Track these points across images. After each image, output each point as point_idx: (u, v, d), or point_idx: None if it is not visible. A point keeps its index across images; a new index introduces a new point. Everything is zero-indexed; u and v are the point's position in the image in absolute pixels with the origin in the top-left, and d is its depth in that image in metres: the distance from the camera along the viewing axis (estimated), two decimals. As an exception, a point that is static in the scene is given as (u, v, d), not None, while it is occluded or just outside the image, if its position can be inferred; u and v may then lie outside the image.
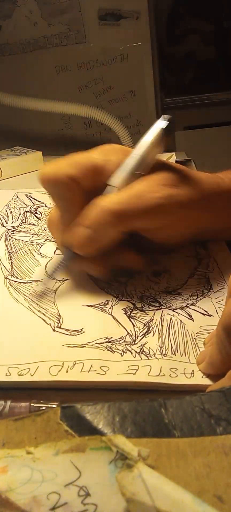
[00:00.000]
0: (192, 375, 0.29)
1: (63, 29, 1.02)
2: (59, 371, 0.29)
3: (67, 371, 0.29)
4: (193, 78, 1.20)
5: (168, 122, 0.36)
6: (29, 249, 0.45)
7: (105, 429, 0.21)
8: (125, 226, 0.36)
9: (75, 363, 0.30)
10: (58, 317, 0.35)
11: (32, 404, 0.27)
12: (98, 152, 0.38)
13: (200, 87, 1.17)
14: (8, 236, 0.48)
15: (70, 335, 0.33)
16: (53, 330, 0.34)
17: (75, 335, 0.33)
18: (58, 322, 0.34)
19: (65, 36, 1.03)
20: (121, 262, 0.39)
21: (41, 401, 0.27)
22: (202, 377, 0.29)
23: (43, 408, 0.27)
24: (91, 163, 0.36)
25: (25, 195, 0.60)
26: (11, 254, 0.44)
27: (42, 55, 1.04)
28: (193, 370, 0.29)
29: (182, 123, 1.17)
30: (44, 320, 0.35)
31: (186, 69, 1.20)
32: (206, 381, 0.28)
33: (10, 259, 0.43)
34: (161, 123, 0.36)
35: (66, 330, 0.34)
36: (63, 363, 0.30)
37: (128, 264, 0.40)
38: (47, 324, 0.34)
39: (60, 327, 0.34)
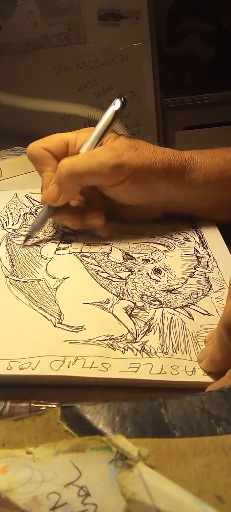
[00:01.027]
0: (194, 372, 0.29)
1: (63, 29, 1.02)
2: (60, 366, 0.29)
3: (68, 367, 0.29)
4: (193, 78, 1.20)
5: (119, 105, 0.44)
6: (29, 251, 0.45)
7: (105, 429, 0.21)
8: (79, 180, 0.43)
9: (76, 359, 0.30)
10: (59, 313, 0.35)
11: (32, 404, 0.27)
12: (72, 132, 0.47)
13: (200, 87, 1.17)
14: (9, 240, 0.48)
15: (72, 331, 0.33)
16: (54, 326, 0.34)
17: (77, 332, 0.33)
18: (59, 318, 0.35)
19: (65, 36, 1.03)
20: (88, 219, 0.46)
21: (41, 401, 0.27)
22: (203, 374, 0.29)
23: (43, 408, 0.27)
24: (63, 137, 0.46)
25: (25, 195, 0.60)
26: (12, 257, 0.44)
27: (42, 55, 1.04)
28: (194, 368, 0.29)
29: (182, 123, 1.17)
30: (45, 316, 0.35)
31: (186, 69, 1.20)
32: (207, 379, 0.28)
33: (11, 261, 0.44)
34: (114, 106, 0.45)
35: (67, 326, 0.34)
36: (64, 358, 0.30)
37: (92, 221, 0.46)
38: (48, 320, 0.34)
39: (61, 323, 0.34)
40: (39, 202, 0.57)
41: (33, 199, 0.58)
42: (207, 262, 0.42)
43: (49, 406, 0.26)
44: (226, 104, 1.13)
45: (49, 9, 1.01)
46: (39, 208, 0.55)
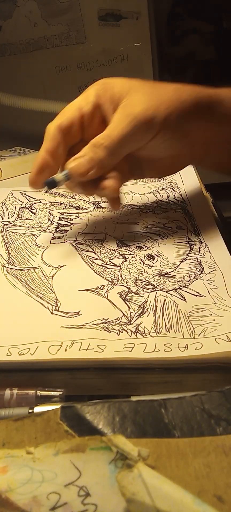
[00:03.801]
0: (186, 348, 0.30)
1: (63, 29, 1.02)
2: (58, 350, 0.30)
3: (66, 350, 0.30)
4: (193, 78, 1.20)
5: None
6: (25, 240, 0.46)
7: (105, 429, 0.21)
8: (114, 157, 0.40)
9: (73, 343, 0.31)
10: (55, 301, 0.36)
11: (38, 392, 0.28)
12: (80, 96, 0.43)
13: (200, 87, 1.17)
14: (4, 229, 0.49)
15: (68, 317, 0.34)
16: (51, 313, 0.35)
17: (73, 317, 0.34)
18: (56, 305, 0.35)
19: (65, 36, 1.03)
20: (102, 189, 0.42)
21: (47, 389, 0.28)
22: (195, 349, 0.29)
23: (50, 394, 0.28)
24: (73, 105, 0.42)
25: (20, 192, 0.60)
26: (7, 245, 0.45)
27: (42, 55, 1.04)
28: (186, 344, 0.30)
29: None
30: (42, 304, 0.36)
31: (186, 69, 1.20)
32: (200, 352, 0.29)
33: (7, 249, 0.44)
34: None
35: (63, 312, 0.34)
36: (62, 342, 0.31)
37: (106, 191, 0.42)
38: (45, 307, 0.35)
39: (58, 310, 0.35)
40: (34, 198, 0.58)
41: (29, 196, 0.59)
42: (199, 248, 0.43)
43: (55, 392, 0.28)
44: (226, 104, 1.13)
45: (49, 9, 1.01)
46: (34, 203, 0.56)
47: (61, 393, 0.28)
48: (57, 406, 0.23)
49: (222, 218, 0.52)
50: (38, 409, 0.26)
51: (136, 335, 0.31)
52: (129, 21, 1.01)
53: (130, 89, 0.41)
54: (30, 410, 0.26)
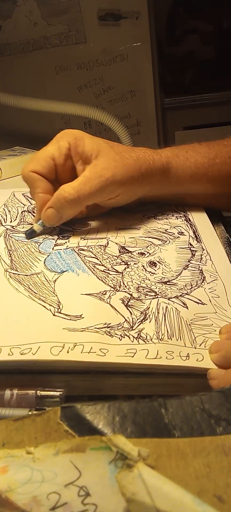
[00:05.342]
0: (187, 357, 0.30)
1: (63, 29, 1.02)
2: (60, 351, 0.30)
3: (68, 352, 0.30)
4: (193, 78, 1.20)
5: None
6: (28, 247, 0.46)
7: (105, 429, 0.21)
8: (78, 208, 0.47)
9: (75, 345, 0.31)
10: (58, 303, 0.36)
11: (38, 392, 0.28)
12: (52, 143, 0.49)
13: (199, 87, 1.17)
14: (7, 235, 0.49)
15: (70, 319, 0.34)
16: (54, 315, 0.35)
17: (75, 320, 0.34)
18: (58, 307, 0.35)
19: (65, 36, 1.03)
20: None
21: (47, 389, 0.28)
22: (196, 360, 0.29)
23: (49, 394, 0.28)
24: (47, 154, 0.47)
25: (22, 194, 0.60)
26: (10, 252, 0.45)
27: (42, 55, 1.04)
28: (188, 353, 0.30)
29: (181, 123, 1.17)
30: (44, 306, 0.36)
31: (185, 69, 1.20)
32: (201, 364, 0.29)
33: (10, 256, 0.44)
34: None
35: (66, 315, 0.35)
36: (64, 344, 0.31)
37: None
38: (47, 309, 0.35)
39: (60, 312, 0.35)
40: None
41: (31, 198, 0.59)
42: (201, 255, 0.43)
43: (55, 392, 0.28)
44: (226, 104, 1.13)
45: (49, 9, 1.01)
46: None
47: (61, 393, 0.28)
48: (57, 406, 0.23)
49: (222, 218, 0.52)
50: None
51: (138, 341, 0.31)
52: (129, 21, 1.02)
53: (99, 152, 0.46)
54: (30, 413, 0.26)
